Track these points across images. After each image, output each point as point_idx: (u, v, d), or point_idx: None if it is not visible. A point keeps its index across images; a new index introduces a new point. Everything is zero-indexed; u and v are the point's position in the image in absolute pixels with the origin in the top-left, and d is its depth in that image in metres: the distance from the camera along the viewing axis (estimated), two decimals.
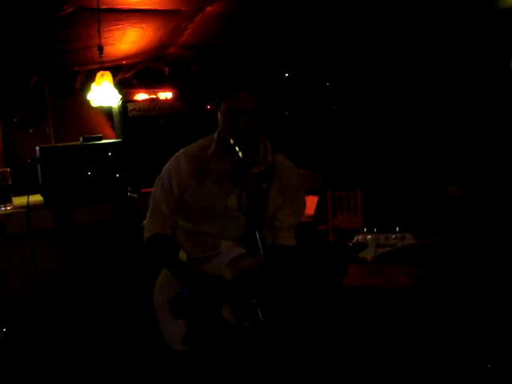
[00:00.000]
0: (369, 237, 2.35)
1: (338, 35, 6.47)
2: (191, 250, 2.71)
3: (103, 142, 4.97)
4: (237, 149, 2.47)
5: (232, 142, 2.52)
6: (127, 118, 5.15)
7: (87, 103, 5.63)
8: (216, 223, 2.62)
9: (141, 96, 5.30)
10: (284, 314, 2.60)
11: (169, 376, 3.13)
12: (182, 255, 2.71)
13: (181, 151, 2.74)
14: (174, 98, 5.42)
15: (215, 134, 2.67)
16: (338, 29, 6.29)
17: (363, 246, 2.35)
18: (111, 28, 5.49)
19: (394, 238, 2.34)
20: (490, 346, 3.80)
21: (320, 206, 6.46)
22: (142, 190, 5.12)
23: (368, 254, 2.34)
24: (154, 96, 5.35)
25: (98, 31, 5.14)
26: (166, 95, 5.45)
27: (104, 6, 5.01)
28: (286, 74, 7.92)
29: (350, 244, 2.37)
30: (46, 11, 4.85)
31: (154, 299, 2.74)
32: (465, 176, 7.30)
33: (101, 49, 5.19)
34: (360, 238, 2.36)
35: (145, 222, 2.78)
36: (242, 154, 2.46)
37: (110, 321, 4.54)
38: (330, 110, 8.23)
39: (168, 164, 2.75)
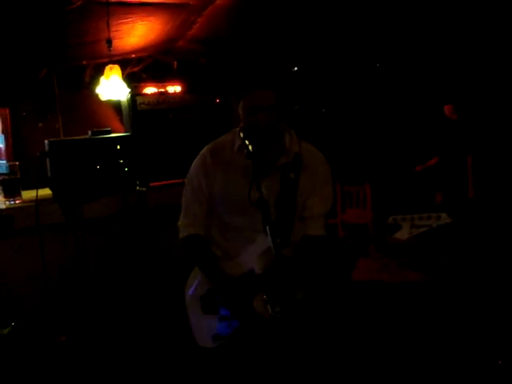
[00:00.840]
0: (403, 217, 2.30)
1: (347, 29, 6.43)
2: (223, 243, 2.72)
3: (112, 135, 4.96)
4: (247, 142, 2.47)
5: (242, 135, 2.51)
6: (136, 111, 5.13)
7: (96, 97, 5.63)
8: (247, 217, 2.59)
9: (150, 90, 5.28)
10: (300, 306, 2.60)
11: (193, 373, 3.15)
12: (218, 253, 2.73)
13: (205, 149, 2.75)
14: (182, 92, 5.40)
15: (237, 129, 2.66)
16: (347, 22, 6.24)
17: (397, 226, 2.31)
18: (120, 21, 5.46)
19: (429, 218, 2.29)
20: (499, 342, 3.77)
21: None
22: (151, 184, 5.12)
23: (403, 234, 2.30)
24: (162, 90, 5.33)
25: (108, 25, 5.12)
26: (174, 89, 5.42)
27: (113, 0, 5.00)
28: (295, 68, 7.89)
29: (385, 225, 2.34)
30: (55, 4, 4.83)
31: (186, 296, 2.75)
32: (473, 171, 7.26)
33: (109, 42, 5.17)
34: (394, 218, 2.32)
35: (179, 222, 2.79)
36: (253, 148, 2.44)
37: (119, 317, 4.54)
38: (339, 105, 8.20)
39: (194, 163, 2.75)
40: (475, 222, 5.97)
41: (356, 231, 6.84)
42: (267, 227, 2.29)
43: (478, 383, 3.45)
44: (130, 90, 5.24)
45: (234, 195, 2.60)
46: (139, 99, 5.14)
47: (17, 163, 4.78)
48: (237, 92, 2.57)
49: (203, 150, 2.75)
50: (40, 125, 6.58)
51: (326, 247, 2.61)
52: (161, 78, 6.15)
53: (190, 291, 2.74)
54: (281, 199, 2.53)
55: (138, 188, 5.00)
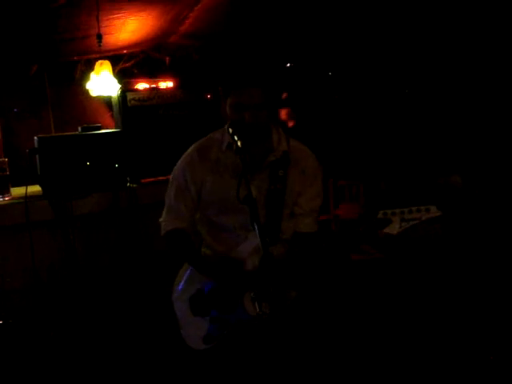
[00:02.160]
0: (393, 212, 2.29)
1: (341, 23, 6.40)
2: (214, 245, 2.70)
3: (102, 131, 4.92)
4: (236, 138, 2.43)
5: (231, 131, 2.48)
6: (126, 107, 5.07)
7: (87, 93, 5.60)
8: (236, 216, 2.58)
9: (140, 85, 5.23)
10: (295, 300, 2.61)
11: (184, 374, 3.13)
12: (208, 252, 2.72)
13: (192, 147, 2.71)
14: (174, 88, 5.35)
15: (226, 127, 2.62)
16: (341, 17, 6.21)
17: (387, 221, 2.29)
18: (111, 17, 5.41)
19: (419, 211, 2.29)
20: (492, 336, 3.77)
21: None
22: (142, 181, 5.08)
23: (393, 229, 2.29)
24: (154, 85, 5.28)
25: (97, 19, 5.08)
26: (166, 84, 5.38)
27: None
28: (288, 64, 7.85)
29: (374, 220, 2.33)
30: (40, 1, 4.78)
31: (173, 298, 2.73)
32: (468, 166, 7.24)
33: (100, 37, 5.12)
34: (384, 213, 2.31)
35: (161, 219, 2.76)
36: (242, 144, 2.40)
37: (109, 314, 4.51)
38: (333, 100, 8.17)
39: (180, 162, 2.72)
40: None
41: (348, 226, 6.82)
42: (255, 224, 2.25)
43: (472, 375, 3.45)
44: (120, 85, 5.19)
45: (224, 195, 2.58)
46: (130, 95, 5.09)
47: (6, 160, 4.74)
48: (225, 89, 2.54)
49: (190, 149, 2.71)
50: (31, 121, 6.53)
51: (318, 243, 2.59)
52: (153, 74, 6.13)
53: (177, 293, 2.71)
54: (269, 197, 2.51)
55: (128, 184, 4.96)
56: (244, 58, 6.53)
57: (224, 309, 2.50)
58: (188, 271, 2.69)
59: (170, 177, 2.75)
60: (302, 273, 2.60)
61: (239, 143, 2.40)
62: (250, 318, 2.44)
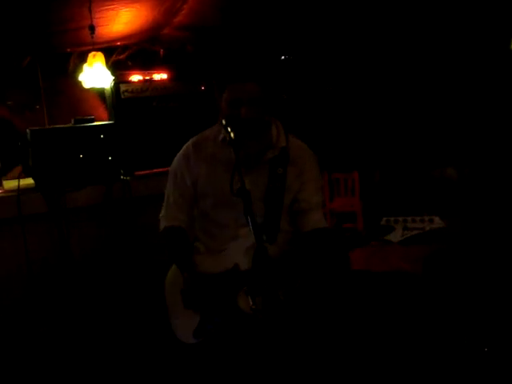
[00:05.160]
0: (396, 219, 2.30)
1: (335, 14, 6.37)
2: (208, 241, 2.67)
3: (95, 124, 4.88)
4: (229, 129, 2.39)
5: (224, 122, 2.44)
6: (120, 99, 5.03)
7: (81, 85, 5.56)
8: (233, 212, 2.54)
9: (134, 77, 5.19)
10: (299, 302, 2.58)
11: (175, 369, 3.10)
12: (201, 247, 2.68)
13: (189, 142, 2.71)
14: (167, 80, 5.31)
15: (221, 121, 2.57)
16: (334, 8, 6.18)
17: (390, 228, 2.29)
18: (103, 8, 5.36)
19: (422, 221, 2.28)
20: (491, 331, 3.76)
21: None
22: (135, 173, 5.05)
23: (395, 237, 2.30)
24: (147, 77, 5.24)
25: (90, 10, 5.03)
26: (160, 76, 5.34)
27: None
28: (283, 57, 7.82)
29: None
30: None
31: (166, 289, 2.70)
32: (463, 159, 7.24)
33: (92, 28, 5.09)
34: (387, 220, 2.32)
35: (160, 215, 2.76)
36: (235, 136, 2.37)
37: (103, 308, 4.49)
38: (327, 92, 8.14)
39: (177, 155, 2.72)
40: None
41: (345, 220, 6.81)
42: (248, 217, 2.22)
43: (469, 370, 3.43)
44: (113, 77, 5.15)
45: (218, 189, 2.55)
46: (123, 87, 5.05)
47: None
48: (221, 83, 2.50)
49: (187, 143, 2.71)
50: (24, 113, 6.49)
51: (333, 238, 2.57)
52: (147, 67, 6.07)
53: (169, 285, 2.69)
54: (268, 195, 2.48)
55: (122, 177, 4.92)
56: (239, 51, 6.50)
57: (215, 303, 2.47)
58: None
59: (169, 171, 2.74)
60: (318, 268, 2.57)
61: (232, 135, 2.37)
62: (242, 313, 2.41)
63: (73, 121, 4.84)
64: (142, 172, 5.05)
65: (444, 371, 3.43)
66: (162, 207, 2.77)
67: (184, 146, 2.71)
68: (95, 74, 5.15)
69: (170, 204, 2.71)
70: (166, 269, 2.76)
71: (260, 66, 2.50)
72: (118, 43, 6.56)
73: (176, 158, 2.72)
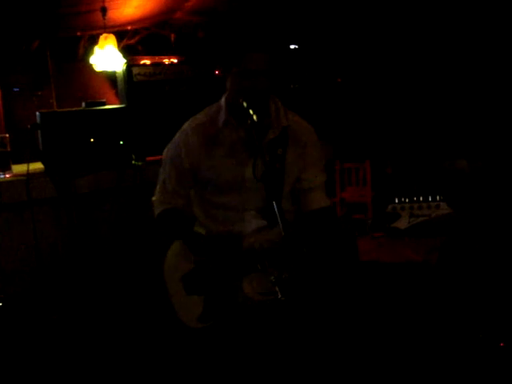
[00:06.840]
0: (402, 206, 2.22)
1: (347, 5, 6.29)
2: (210, 225, 2.55)
3: (107, 107, 4.80)
4: (251, 112, 2.29)
5: (245, 105, 2.34)
6: (132, 82, 4.93)
7: (91, 69, 5.50)
8: (235, 196, 2.46)
9: (146, 61, 5.10)
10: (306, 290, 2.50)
11: (181, 355, 3.04)
12: (201, 231, 2.57)
13: (187, 124, 2.56)
14: (180, 64, 5.22)
15: (222, 102, 2.48)
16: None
17: (396, 215, 2.22)
18: None
19: (428, 208, 2.20)
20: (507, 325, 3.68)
21: (327, 179, 6.32)
22: (147, 159, 4.95)
23: (401, 224, 2.22)
24: (159, 61, 5.14)
25: None
26: (172, 61, 5.25)
27: None
28: (292, 46, 7.73)
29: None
30: None
31: (165, 276, 2.59)
32: (477, 152, 7.15)
33: (104, 10, 5.01)
34: (393, 207, 2.24)
35: (154, 198, 2.63)
36: (257, 118, 2.27)
37: (112, 293, 4.42)
38: (338, 82, 8.06)
39: (175, 138, 2.57)
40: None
41: (356, 210, 6.73)
42: (274, 203, 2.16)
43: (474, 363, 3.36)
44: (125, 60, 5.05)
45: (223, 174, 2.45)
46: (135, 70, 4.95)
47: (6, 135, 4.60)
48: (230, 57, 2.39)
49: (184, 126, 2.56)
50: (33, 97, 6.42)
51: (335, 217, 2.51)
52: (158, 52, 5.98)
53: (169, 271, 2.58)
54: (268, 177, 2.38)
55: (133, 162, 4.83)
56: (248, 26, 6.39)
57: (220, 288, 2.41)
58: (179, 249, 2.57)
59: (164, 155, 2.62)
60: (323, 248, 2.51)
61: (255, 117, 2.27)
62: (248, 299, 2.37)
63: (84, 104, 4.76)
64: (154, 157, 4.95)
65: (457, 366, 3.36)
66: (155, 190, 2.64)
67: (181, 130, 2.56)
68: (107, 57, 5.07)
69: (167, 188, 2.58)
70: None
71: (273, 39, 2.44)
72: (129, 27, 6.47)
73: (173, 143, 2.57)
